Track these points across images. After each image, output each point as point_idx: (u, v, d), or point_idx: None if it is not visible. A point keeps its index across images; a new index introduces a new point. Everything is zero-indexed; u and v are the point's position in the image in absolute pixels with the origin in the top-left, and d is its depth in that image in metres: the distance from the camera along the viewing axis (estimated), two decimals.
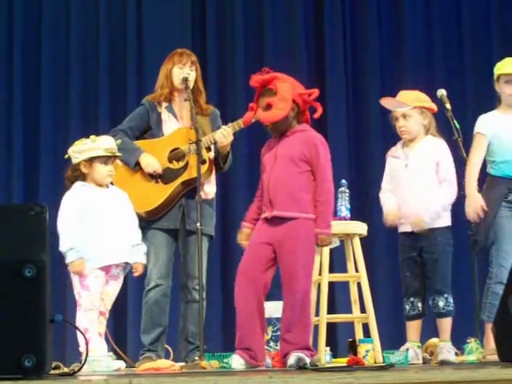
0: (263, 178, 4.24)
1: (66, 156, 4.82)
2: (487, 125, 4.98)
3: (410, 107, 4.80)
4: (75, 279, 4.65)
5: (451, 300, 4.65)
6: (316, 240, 4.10)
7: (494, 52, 7.20)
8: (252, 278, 4.09)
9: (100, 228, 4.69)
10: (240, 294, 4.10)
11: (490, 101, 6.51)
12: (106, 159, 4.76)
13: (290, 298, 4.04)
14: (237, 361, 4.02)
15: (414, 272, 4.75)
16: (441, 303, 4.63)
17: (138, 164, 5.06)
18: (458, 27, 7.38)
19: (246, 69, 7.03)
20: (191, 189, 4.99)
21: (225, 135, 4.97)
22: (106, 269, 4.70)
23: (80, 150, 4.74)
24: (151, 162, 5.03)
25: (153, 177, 5.06)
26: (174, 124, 5.15)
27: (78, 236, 4.64)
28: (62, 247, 4.61)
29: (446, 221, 4.78)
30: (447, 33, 7.36)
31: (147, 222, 5.03)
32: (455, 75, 7.23)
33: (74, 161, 4.76)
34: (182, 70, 5.12)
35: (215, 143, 5.03)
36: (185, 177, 5.01)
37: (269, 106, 4.14)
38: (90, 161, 4.73)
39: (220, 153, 5.06)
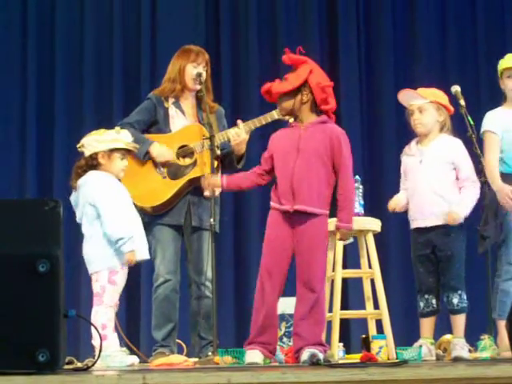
0: (280, 170, 4.11)
1: (79, 145, 4.70)
2: (496, 122, 4.95)
3: (426, 101, 4.79)
4: (103, 273, 4.54)
5: (465, 297, 4.63)
6: (329, 235, 4.07)
7: (508, 50, 7.16)
8: (275, 273, 4.05)
9: (133, 221, 4.64)
10: (263, 289, 4.07)
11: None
12: (124, 154, 4.69)
13: (307, 293, 4.01)
14: (256, 355, 4.01)
15: (428, 269, 4.73)
16: (455, 300, 4.62)
17: (147, 154, 5.00)
18: (472, 25, 7.34)
19: (259, 64, 7.03)
20: (197, 186, 4.98)
21: (238, 134, 4.96)
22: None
23: (103, 139, 4.63)
24: (163, 151, 4.99)
25: (160, 172, 5.03)
26: (182, 120, 5.13)
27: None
28: (122, 233, 4.49)
29: None
30: (461, 28, 7.33)
31: (152, 217, 5.01)
32: (469, 74, 7.20)
33: (92, 150, 4.62)
34: (196, 69, 5.11)
35: (228, 141, 5.02)
36: (192, 174, 4.99)
37: (284, 79, 4.14)
38: (110, 152, 4.64)
39: (235, 153, 5.04)
